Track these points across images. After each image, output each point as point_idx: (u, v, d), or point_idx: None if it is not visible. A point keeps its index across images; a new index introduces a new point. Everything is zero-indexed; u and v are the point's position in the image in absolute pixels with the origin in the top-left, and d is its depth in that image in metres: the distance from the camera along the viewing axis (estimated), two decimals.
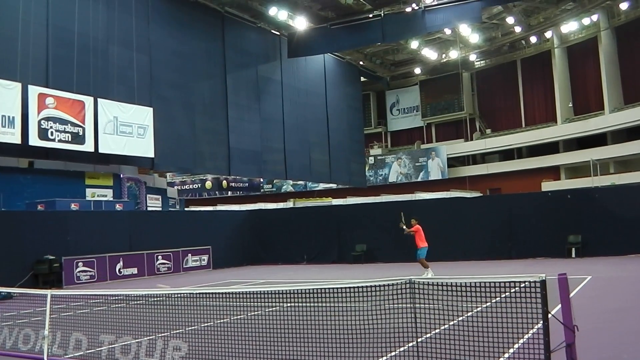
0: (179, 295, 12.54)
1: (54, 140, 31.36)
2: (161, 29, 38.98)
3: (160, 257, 33.72)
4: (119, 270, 31.24)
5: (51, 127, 31.23)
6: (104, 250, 30.71)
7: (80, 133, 32.71)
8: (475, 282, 8.47)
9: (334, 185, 63.18)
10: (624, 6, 54.34)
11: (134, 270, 31.99)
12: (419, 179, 68.72)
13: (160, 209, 42.89)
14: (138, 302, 12.99)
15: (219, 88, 43.53)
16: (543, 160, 61.87)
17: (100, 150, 33.81)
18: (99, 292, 14.90)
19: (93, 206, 34.34)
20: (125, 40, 36.35)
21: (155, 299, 12.51)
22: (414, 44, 58.77)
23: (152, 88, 37.82)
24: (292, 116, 49.86)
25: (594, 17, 56.65)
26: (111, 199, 37.83)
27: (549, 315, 7.57)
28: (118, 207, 35.63)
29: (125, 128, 35.07)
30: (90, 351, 10.91)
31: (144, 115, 36.33)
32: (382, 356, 9.28)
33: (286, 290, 10.09)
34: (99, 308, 13.80)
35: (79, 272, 29.35)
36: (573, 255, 30.94)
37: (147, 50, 37.74)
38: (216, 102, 43.18)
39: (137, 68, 36.85)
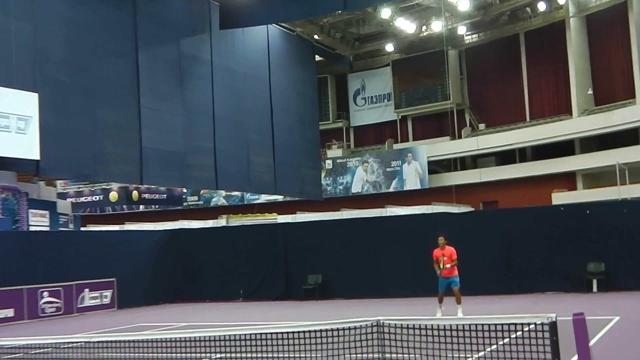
0: (71, 345, 12.38)
1: None
2: None
3: (45, 293, 33.22)
4: None
5: None
6: None
7: None
8: (462, 325, 8.46)
9: (280, 198, 63.10)
10: None
11: (9, 313, 31.45)
12: (391, 189, 69.14)
13: (47, 228, 42.44)
14: (14, 355, 12.79)
15: (129, 69, 43.11)
16: (554, 165, 62.40)
17: None
18: None
19: None
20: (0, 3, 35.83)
21: (38, 351, 12.32)
22: (386, 13, 58.96)
23: (37, 67, 37.19)
24: (225, 107, 49.58)
25: None
26: None
27: None
28: None
29: (0, 120, 34.61)
30: None
31: (26, 103, 35.75)
32: None
33: (216, 337, 10.01)
34: None
35: None
36: (594, 289, 31.14)
37: (30, 17, 37.07)
38: (125, 87, 42.75)
39: (16, 40, 36.22)
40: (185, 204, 74.54)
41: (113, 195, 65.25)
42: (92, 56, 40.56)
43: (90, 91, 40.33)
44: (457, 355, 8.43)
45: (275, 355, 9.46)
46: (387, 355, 8.38)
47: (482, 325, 8.38)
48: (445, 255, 25.26)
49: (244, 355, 9.85)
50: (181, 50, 46.65)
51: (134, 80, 43.00)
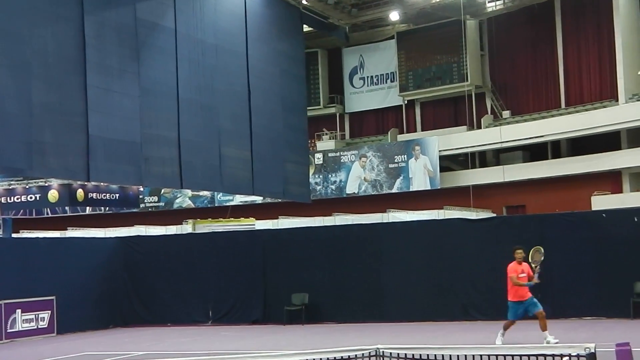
0: None
1: None
2: None
3: None
4: None
5: None
6: None
7: None
8: (479, 356, 8.42)
9: (258, 199, 63.19)
10: None
11: None
12: (395, 190, 69.10)
13: None
14: None
15: (72, 39, 42.86)
16: (594, 162, 62.15)
17: None
18: None
19: None
20: None
21: None
22: None
23: None
24: (192, 87, 49.36)
25: None
26: None
27: None
28: None
29: None
30: None
31: None
32: None
33: None
34: None
35: None
36: None
37: None
38: (67, 61, 42.49)
39: None
40: (142, 205, 74.34)
41: (53, 195, 65.13)
42: (25, 21, 40.12)
43: (23, 65, 39.82)
44: None
45: None
46: None
47: (505, 356, 8.34)
48: (525, 272, 24.87)
49: None
50: (138, 15, 46.28)
51: (78, 53, 42.57)
